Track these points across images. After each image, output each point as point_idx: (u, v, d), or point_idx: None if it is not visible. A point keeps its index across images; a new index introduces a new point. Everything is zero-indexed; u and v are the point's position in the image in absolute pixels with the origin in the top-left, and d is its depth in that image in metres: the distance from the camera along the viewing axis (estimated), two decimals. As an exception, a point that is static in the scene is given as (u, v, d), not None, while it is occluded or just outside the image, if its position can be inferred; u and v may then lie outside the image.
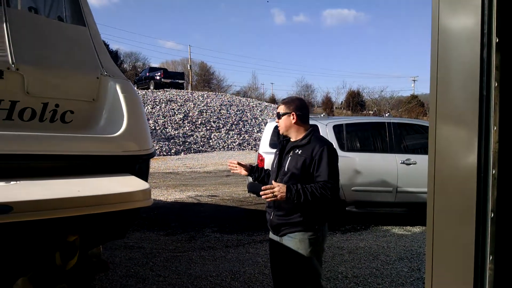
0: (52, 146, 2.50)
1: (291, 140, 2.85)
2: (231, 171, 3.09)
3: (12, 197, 1.90)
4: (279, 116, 2.84)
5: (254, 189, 7.55)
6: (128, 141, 2.81)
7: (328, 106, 49.40)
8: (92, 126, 2.91)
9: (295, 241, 2.73)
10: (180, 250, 5.56)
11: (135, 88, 3.49)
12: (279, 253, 2.86)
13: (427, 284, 1.28)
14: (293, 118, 2.79)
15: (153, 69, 34.94)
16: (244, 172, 3.04)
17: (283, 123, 2.82)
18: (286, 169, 2.75)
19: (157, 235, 6.33)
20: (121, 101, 2.94)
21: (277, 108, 2.90)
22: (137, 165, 2.91)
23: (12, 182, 2.20)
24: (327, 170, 2.65)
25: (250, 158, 17.82)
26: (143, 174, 2.94)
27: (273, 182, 2.68)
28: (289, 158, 2.75)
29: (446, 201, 1.20)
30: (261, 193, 2.61)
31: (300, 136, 2.80)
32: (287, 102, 2.86)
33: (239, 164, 3.06)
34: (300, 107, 2.83)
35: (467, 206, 1.13)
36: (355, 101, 49.40)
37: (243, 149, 22.69)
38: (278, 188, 2.56)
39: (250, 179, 7.37)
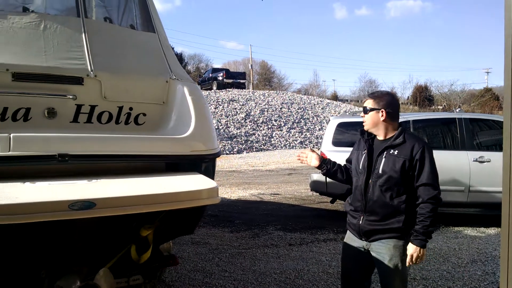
0: (128, 146, 2.67)
1: (379, 138, 2.67)
2: (300, 161, 2.91)
3: (95, 194, 2.07)
4: (365, 110, 2.65)
5: (317, 187, 7.50)
6: (196, 142, 2.93)
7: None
8: (162, 127, 3.07)
9: (388, 247, 2.57)
10: (244, 247, 5.68)
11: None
12: (361, 259, 2.71)
13: (503, 289, 1.22)
14: (382, 115, 2.59)
15: (215, 70, 35.81)
16: (315, 162, 2.83)
17: (370, 119, 2.64)
18: (380, 172, 2.56)
19: (222, 232, 6.52)
20: (189, 103, 3.06)
21: (364, 102, 2.72)
22: (204, 164, 3.02)
23: (93, 180, 2.39)
24: (430, 172, 2.51)
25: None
26: (210, 173, 3.04)
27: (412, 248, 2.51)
28: (384, 159, 2.57)
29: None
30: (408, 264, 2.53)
31: (391, 135, 2.62)
32: (377, 96, 2.65)
33: (311, 150, 2.88)
34: (391, 104, 2.62)
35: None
36: (422, 96, 47.21)
37: (304, 147, 22.58)
38: (416, 255, 2.48)
39: (314, 177, 7.40)
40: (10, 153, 2.30)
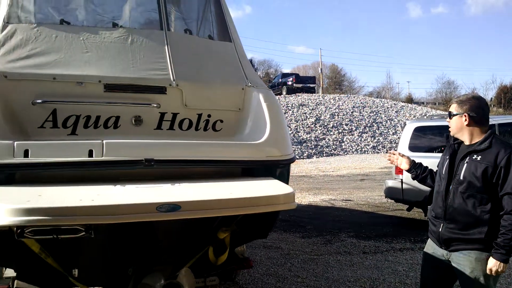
0: (207, 152, 2.80)
1: (465, 143, 2.57)
2: (390, 161, 2.94)
3: (180, 197, 2.19)
4: (450, 115, 2.59)
5: (392, 194, 7.25)
6: (271, 147, 2.98)
7: (474, 104, 44.61)
8: (238, 133, 3.16)
9: (469, 260, 2.45)
10: (316, 253, 5.64)
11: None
12: (442, 269, 2.61)
13: None
14: (465, 120, 2.50)
15: (285, 75, 36.00)
16: (405, 165, 2.83)
17: (454, 124, 2.56)
18: (461, 178, 2.47)
19: (294, 237, 6.52)
20: (264, 109, 3.13)
21: (449, 106, 2.65)
22: (279, 170, 3.06)
23: (176, 184, 2.53)
24: None
25: (385, 161, 17.10)
26: (285, 178, 3.08)
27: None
28: (465, 164, 2.47)
29: None
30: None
31: (477, 140, 2.51)
32: (461, 101, 2.56)
33: (400, 155, 2.88)
34: (476, 108, 2.51)
35: None
36: (507, 97, 43.66)
37: (377, 152, 21.89)
38: (495, 270, 2.36)
39: (389, 183, 7.17)
40: (103, 158, 2.51)
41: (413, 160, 2.86)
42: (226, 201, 2.22)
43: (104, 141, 2.54)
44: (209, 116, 3.14)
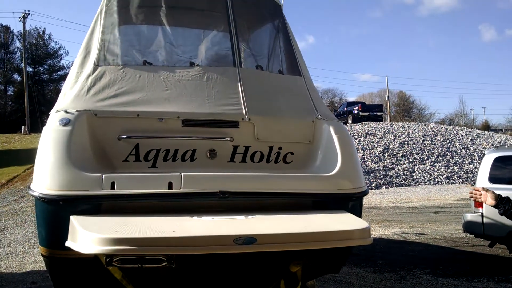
0: (279, 184, 2.84)
1: None
2: (474, 199, 2.83)
3: (256, 230, 2.24)
4: None
5: (471, 228, 6.76)
6: (343, 180, 2.96)
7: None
8: (309, 166, 3.18)
9: None
10: (390, 290, 5.37)
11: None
12: None
13: None
14: None
15: (350, 104, 35.51)
16: (491, 201, 2.72)
17: None
18: None
19: (365, 272, 6.27)
20: (335, 141, 3.13)
21: None
22: (352, 203, 3.02)
23: (249, 216, 2.58)
24: None
25: (461, 192, 16.07)
26: (357, 211, 3.02)
27: None
28: None
29: None
30: None
31: None
32: None
33: (484, 190, 2.76)
34: None
35: None
36: None
37: (452, 183, 20.62)
38: None
39: (468, 216, 6.72)
40: (182, 190, 2.64)
41: (498, 195, 2.72)
42: (301, 235, 2.23)
43: (182, 174, 2.67)
44: (280, 148, 3.20)
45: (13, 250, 7.64)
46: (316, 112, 3.34)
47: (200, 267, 2.75)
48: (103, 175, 2.60)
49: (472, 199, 2.83)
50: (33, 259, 6.87)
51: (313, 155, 3.23)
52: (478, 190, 2.78)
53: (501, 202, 2.69)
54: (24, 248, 7.78)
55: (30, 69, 43.25)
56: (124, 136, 2.96)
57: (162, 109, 3.05)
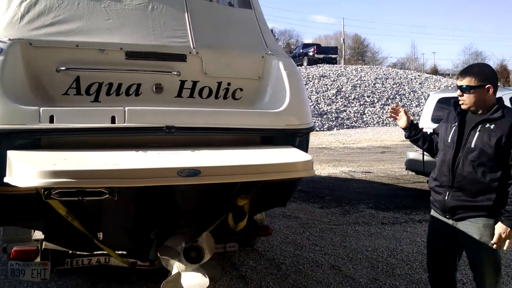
0: (227, 120, 2.82)
1: (477, 113, 2.51)
2: (390, 115, 2.91)
3: (200, 163, 2.24)
4: (467, 90, 2.45)
5: (413, 166, 7.19)
6: (291, 116, 2.98)
7: (503, 75, 43.00)
8: (258, 102, 3.16)
9: (477, 227, 2.46)
10: (334, 223, 5.69)
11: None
12: (449, 238, 2.60)
13: None
14: (489, 92, 2.43)
15: (306, 46, 35.33)
16: (403, 123, 2.81)
17: (473, 99, 2.45)
18: (473, 146, 2.43)
19: (312, 207, 6.58)
20: (284, 78, 3.11)
21: (460, 79, 2.50)
22: (298, 139, 3.07)
23: (196, 151, 2.56)
24: None
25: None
26: (304, 147, 3.08)
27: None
28: (477, 133, 2.44)
29: None
30: (495, 246, 2.40)
31: (488, 109, 2.46)
32: (479, 72, 2.46)
33: (404, 112, 2.84)
34: (495, 76, 2.47)
35: None
36: (538, 69, 42.05)
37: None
38: (504, 236, 2.35)
39: (410, 155, 7.10)
40: (125, 125, 2.56)
41: (412, 121, 2.82)
42: (245, 167, 2.25)
43: (126, 108, 2.58)
44: (229, 84, 3.14)
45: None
46: (266, 48, 3.27)
47: (145, 200, 2.75)
48: (41, 108, 2.46)
49: (390, 112, 2.91)
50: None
51: (262, 91, 3.20)
52: (399, 109, 2.86)
53: (410, 127, 2.81)
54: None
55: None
56: (63, 68, 2.78)
57: (103, 40, 2.87)
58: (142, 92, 2.94)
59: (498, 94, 2.54)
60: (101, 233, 2.93)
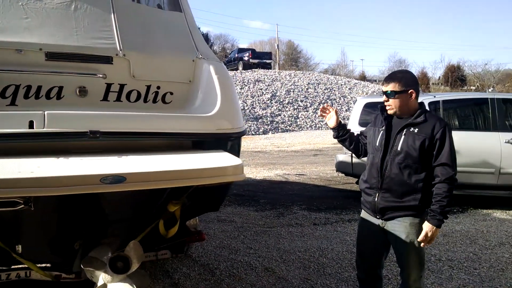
0: (156, 124, 2.74)
1: (402, 117, 2.64)
2: (321, 114, 2.96)
3: (125, 169, 2.15)
4: (392, 95, 2.58)
5: (342, 168, 7.49)
6: (222, 120, 2.97)
7: (423, 82, 46.29)
8: (189, 106, 3.11)
9: (404, 225, 2.59)
10: (269, 226, 5.76)
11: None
12: (378, 237, 2.72)
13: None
14: (412, 96, 2.57)
15: (241, 50, 35.64)
16: (332, 123, 2.90)
17: (398, 102, 2.58)
18: (399, 149, 2.56)
19: (247, 211, 6.61)
20: (215, 82, 3.09)
21: (385, 85, 2.63)
22: (230, 143, 3.06)
23: (123, 156, 2.47)
24: (450, 153, 2.49)
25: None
26: (235, 151, 3.08)
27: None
28: (403, 136, 2.57)
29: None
30: (422, 244, 2.54)
31: (412, 113, 2.61)
32: (402, 78, 2.60)
33: (335, 112, 2.91)
34: (416, 82, 2.63)
35: None
36: (454, 76, 45.74)
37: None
38: (430, 234, 2.49)
39: (340, 157, 7.39)
40: (45, 130, 2.40)
41: (340, 122, 2.92)
42: (173, 173, 2.20)
43: (45, 112, 2.43)
44: (158, 88, 3.07)
45: None
46: (197, 51, 3.24)
47: (68, 209, 2.59)
48: None
49: (321, 111, 2.98)
50: None
51: (193, 95, 3.16)
52: (330, 110, 2.94)
53: (338, 127, 2.91)
54: None
55: None
56: None
57: (20, 39, 2.68)
58: (64, 95, 2.78)
59: (419, 99, 2.72)
60: (20, 246, 2.73)
